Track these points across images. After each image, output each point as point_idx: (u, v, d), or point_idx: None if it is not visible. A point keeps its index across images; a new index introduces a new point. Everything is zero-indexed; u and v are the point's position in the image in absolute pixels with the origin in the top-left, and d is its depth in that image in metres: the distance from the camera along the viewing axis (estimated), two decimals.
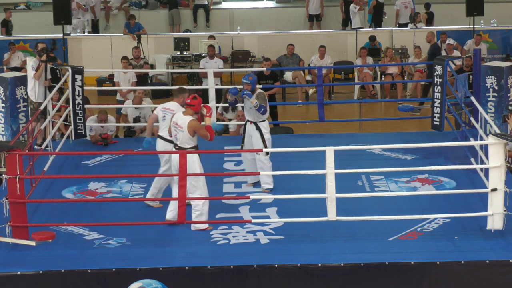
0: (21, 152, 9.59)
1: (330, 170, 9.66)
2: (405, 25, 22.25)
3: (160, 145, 11.08)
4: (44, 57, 13.34)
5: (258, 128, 11.55)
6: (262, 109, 11.43)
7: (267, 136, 11.54)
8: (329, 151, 9.69)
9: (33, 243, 9.54)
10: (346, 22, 22.90)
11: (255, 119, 11.59)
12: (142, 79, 17.66)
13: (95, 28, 23.00)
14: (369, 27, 22.40)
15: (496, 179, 9.64)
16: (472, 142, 11.41)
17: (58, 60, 14.68)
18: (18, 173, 9.52)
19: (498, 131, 10.63)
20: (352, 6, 22.21)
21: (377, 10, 22.48)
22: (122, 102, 16.33)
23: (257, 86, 15.83)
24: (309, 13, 23.26)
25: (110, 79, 18.89)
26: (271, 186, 11.44)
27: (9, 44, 20.17)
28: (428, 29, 21.50)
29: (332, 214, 9.72)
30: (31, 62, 13.41)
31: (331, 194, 9.66)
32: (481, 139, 11.35)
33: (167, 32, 22.98)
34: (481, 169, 11.02)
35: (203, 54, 19.91)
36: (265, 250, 9.69)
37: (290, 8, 24.35)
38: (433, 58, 18.43)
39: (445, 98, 13.68)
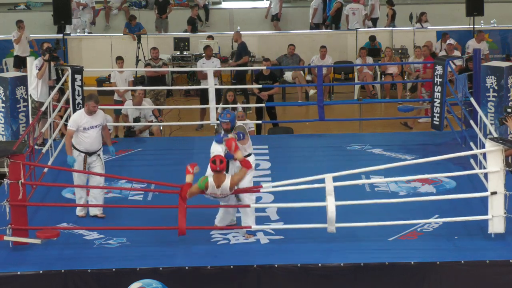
0: (24, 162, 9.65)
1: (330, 201, 9.60)
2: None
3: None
4: (47, 57, 13.43)
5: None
6: (241, 135, 10.24)
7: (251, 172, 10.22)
8: (328, 179, 9.61)
9: (38, 241, 9.54)
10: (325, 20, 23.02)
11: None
12: (160, 80, 17.65)
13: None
14: (329, 28, 22.49)
15: (496, 183, 9.62)
16: (469, 152, 11.24)
17: (60, 60, 14.69)
18: (20, 178, 9.54)
19: (495, 135, 10.61)
20: (351, 6, 22.25)
21: (338, 12, 22.59)
22: (119, 102, 16.34)
23: (257, 86, 16.02)
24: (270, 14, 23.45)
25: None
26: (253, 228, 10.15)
27: (17, 22, 20.06)
28: (429, 29, 21.53)
29: (331, 228, 9.67)
30: (35, 61, 13.52)
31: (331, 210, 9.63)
32: (480, 141, 11.33)
33: (167, 32, 22.97)
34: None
35: (203, 54, 19.90)
36: (265, 250, 9.69)
37: (290, 8, 24.35)
38: (240, 57, 18.76)
39: (445, 98, 13.68)
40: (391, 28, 21.96)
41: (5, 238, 9.62)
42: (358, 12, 22.24)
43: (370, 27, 22.30)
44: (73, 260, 9.43)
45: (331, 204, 9.53)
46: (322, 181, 9.71)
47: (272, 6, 23.52)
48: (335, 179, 9.74)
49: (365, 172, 11.31)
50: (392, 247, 9.67)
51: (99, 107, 10.97)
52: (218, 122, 10.39)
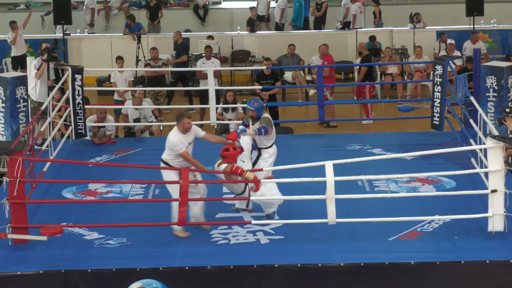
0: (23, 157, 9.63)
1: (330, 194, 9.60)
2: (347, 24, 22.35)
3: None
4: (45, 56, 13.46)
5: (260, 155, 10.89)
6: (263, 129, 10.65)
7: (267, 163, 10.76)
8: (328, 166, 9.62)
9: (44, 238, 9.52)
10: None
11: (259, 145, 10.85)
12: (159, 80, 17.65)
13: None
14: (298, 29, 22.50)
15: (496, 181, 9.61)
16: (471, 147, 11.29)
17: (61, 60, 14.72)
18: (19, 176, 9.53)
19: (496, 133, 10.59)
20: (359, 4, 22.27)
21: (325, 12, 22.70)
22: (119, 102, 16.34)
23: (258, 87, 16.01)
24: (257, 13, 23.39)
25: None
26: (273, 209, 10.43)
27: (10, 23, 20.06)
28: (429, 30, 21.54)
29: (332, 219, 9.67)
30: (34, 61, 13.55)
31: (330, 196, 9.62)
32: (480, 140, 11.33)
33: (167, 32, 22.98)
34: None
35: (203, 54, 19.90)
36: (265, 250, 9.68)
37: (290, 8, 24.33)
38: (179, 56, 19.18)
39: (445, 98, 13.68)
40: (391, 28, 21.97)
41: (9, 236, 9.61)
42: (363, 11, 22.27)
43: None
44: (73, 260, 9.43)
45: (330, 187, 9.56)
46: (322, 169, 9.71)
47: (259, 6, 23.46)
48: (335, 176, 9.74)
49: (365, 172, 11.36)
50: (392, 247, 9.67)
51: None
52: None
